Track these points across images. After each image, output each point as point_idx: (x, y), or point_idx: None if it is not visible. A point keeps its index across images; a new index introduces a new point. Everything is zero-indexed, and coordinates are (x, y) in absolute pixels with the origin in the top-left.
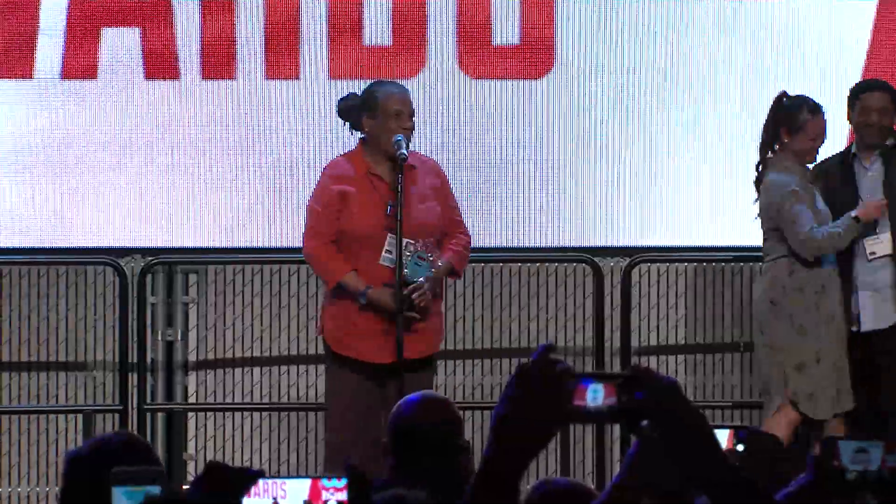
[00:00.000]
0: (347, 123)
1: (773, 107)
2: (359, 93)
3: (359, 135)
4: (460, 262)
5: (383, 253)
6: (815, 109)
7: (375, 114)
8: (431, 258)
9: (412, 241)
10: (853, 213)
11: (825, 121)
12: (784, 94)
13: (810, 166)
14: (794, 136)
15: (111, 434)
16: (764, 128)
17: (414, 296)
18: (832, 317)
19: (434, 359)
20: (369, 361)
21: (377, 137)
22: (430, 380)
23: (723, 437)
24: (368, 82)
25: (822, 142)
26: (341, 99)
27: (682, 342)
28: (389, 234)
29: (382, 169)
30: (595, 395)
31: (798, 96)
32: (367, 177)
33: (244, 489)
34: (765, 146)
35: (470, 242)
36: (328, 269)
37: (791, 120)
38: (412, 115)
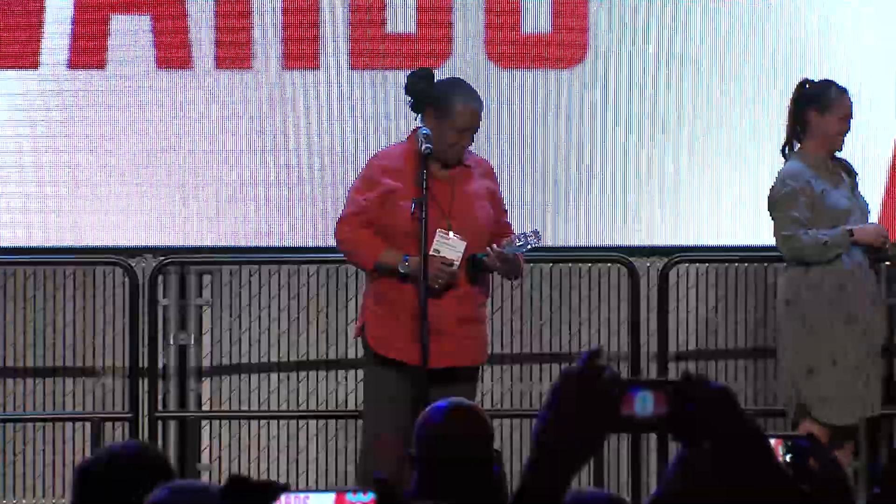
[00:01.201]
0: (410, 100)
1: (795, 91)
2: (436, 76)
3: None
4: (523, 265)
5: (431, 251)
6: (843, 90)
7: (443, 118)
8: (532, 241)
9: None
10: (849, 228)
11: (852, 103)
12: (805, 80)
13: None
14: (823, 115)
15: (124, 444)
16: (788, 116)
17: (485, 259)
18: (854, 317)
19: (479, 370)
20: (412, 365)
21: (437, 139)
22: (473, 392)
23: None
24: (439, 77)
25: (849, 127)
26: (415, 74)
27: (723, 347)
28: (439, 231)
29: (435, 166)
30: (644, 404)
31: (822, 80)
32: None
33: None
34: (790, 135)
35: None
36: (363, 252)
37: (819, 99)
38: (476, 130)
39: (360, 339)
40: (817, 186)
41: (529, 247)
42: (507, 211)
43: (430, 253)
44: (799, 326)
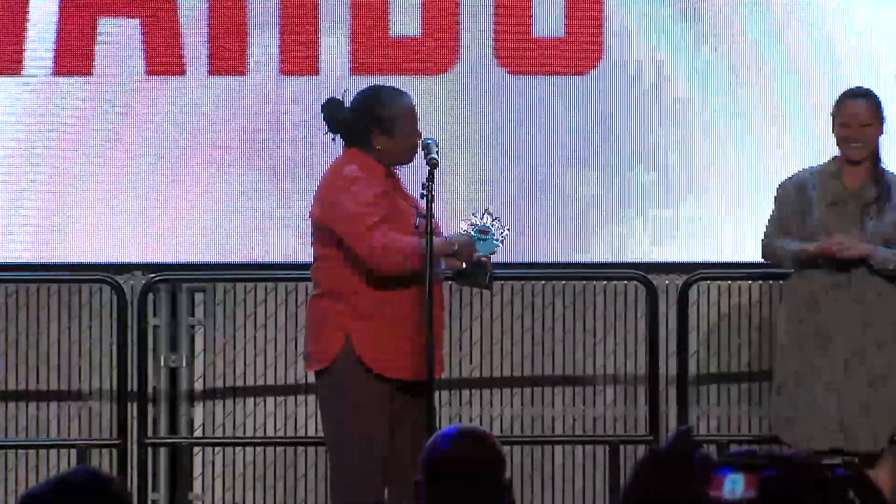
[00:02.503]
0: (341, 135)
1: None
2: (342, 99)
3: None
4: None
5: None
6: (849, 94)
7: (392, 131)
8: (495, 224)
9: (473, 217)
10: (807, 246)
11: (860, 107)
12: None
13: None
14: (834, 122)
15: (72, 470)
16: None
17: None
18: (828, 337)
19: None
20: (413, 380)
21: (396, 154)
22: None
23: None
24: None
25: (855, 130)
26: (327, 106)
27: (746, 370)
28: (464, 221)
29: (390, 173)
30: (734, 487)
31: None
32: (392, 181)
33: None
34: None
35: None
36: (413, 245)
37: (834, 107)
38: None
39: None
40: (813, 194)
41: (491, 232)
42: None
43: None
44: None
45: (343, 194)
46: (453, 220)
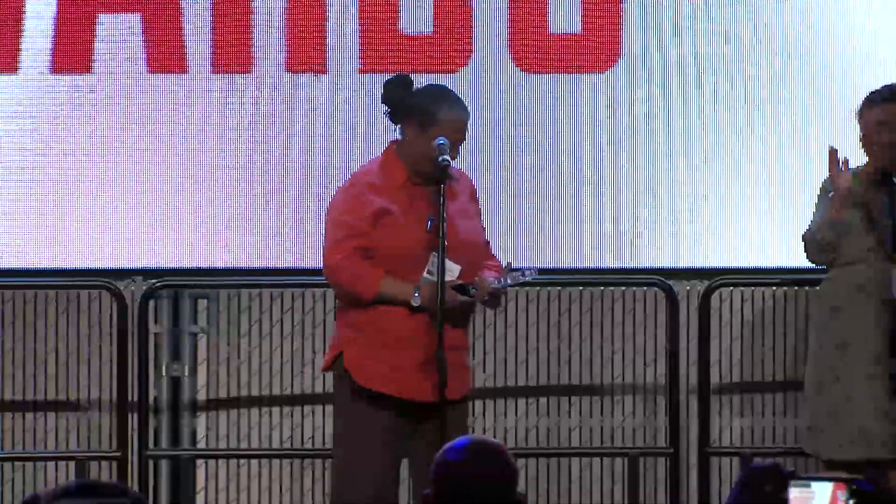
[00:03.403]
0: (387, 110)
1: None
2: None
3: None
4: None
5: (424, 273)
6: (871, 100)
7: (427, 129)
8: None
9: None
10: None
11: (883, 112)
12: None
13: None
14: (860, 125)
15: (70, 484)
16: None
17: (473, 291)
18: (845, 343)
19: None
20: (408, 399)
21: (420, 153)
22: (465, 423)
23: (825, 490)
24: (417, 78)
25: (880, 136)
26: (392, 82)
27: (770, 379)
28: (433, 254)
29: (420, 181)
30: None
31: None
32: (405, 187)
33: None
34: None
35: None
36: (363, 281)
37: (860, 109)
38: (462, 141)
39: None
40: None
41: (522, 281)
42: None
43: (424, 275)
44: (807, 348)
45: (339, 195)
46: None
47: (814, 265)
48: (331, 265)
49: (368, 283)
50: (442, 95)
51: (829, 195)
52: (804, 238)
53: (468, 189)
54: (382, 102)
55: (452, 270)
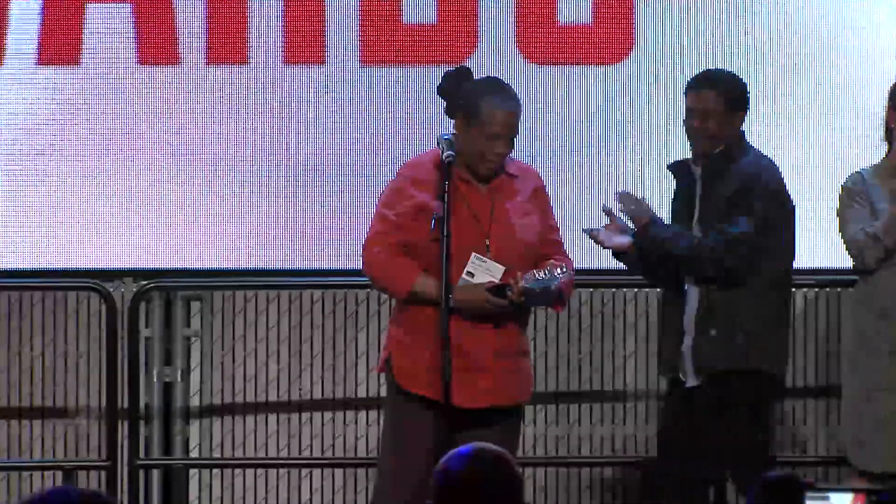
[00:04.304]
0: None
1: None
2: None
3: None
4: (568, 288)
5: (464, 275)
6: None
7: (471, 123)
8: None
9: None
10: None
11: None
12: None
13: None
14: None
15: (45, 492)
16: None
17: (508, 293)
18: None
19: (523, 410)
20: (430, 397)
21: (466, 149)
22: (514, 435)
23: (844, 502)
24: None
25: None
26: (450, 73)
27: (790, 385)
28: (475, 254)
29: (472, 177)
30: None
31: None
32: (455, 184)
33: None
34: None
35: (573, 270)
36: (396, 278)
37: (891, 97)
38: (513, 135)
39: (380, 375)
40: (874, 194)
41: (558, 280)
42: (556, 227)
43: (463, 275)
44: (844, 356)
45: (387, 187)
46: None
47: (857, 269)
48: (366, 258)
49: (402, 279)
50: (489, 88)
51: (858, 197)
52: (858, 242)
53: (532, 186)
54: (438, 94)
55: (493, 271)
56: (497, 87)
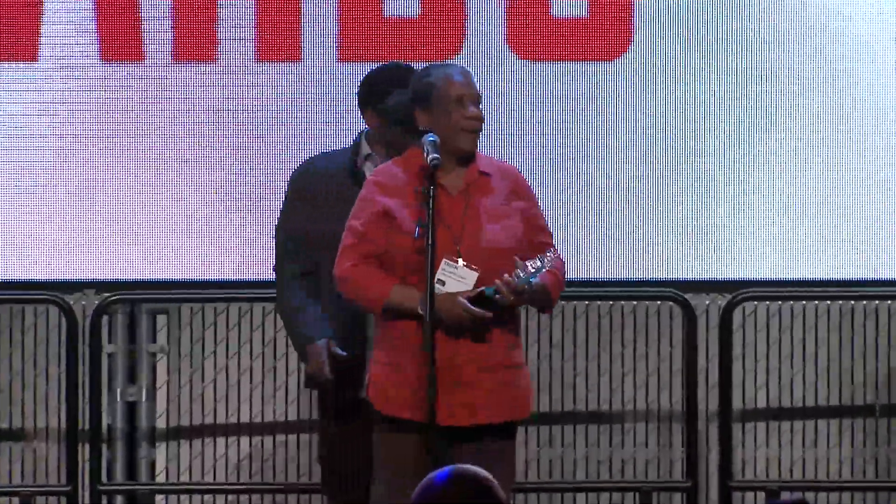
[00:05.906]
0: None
1: None
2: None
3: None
4: (555, 289)
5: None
6: None
7: (429, 106)
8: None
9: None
10: None
11: None
12: None
13: None
14: None
15: None
16: None
17: (497, 297)
18: None
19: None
20: (406, 418)
21: (442, 132)
22: (508, 455)
23: None
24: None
25: None
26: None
27: (799, 405)
28: (445, 259)
29: (449, 176)
30: None
31: None
32: (412, 185)
33: None
34: None
35: (565, 268)
36: (369, 291)
37: None
38: (478, 100)
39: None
40: None
41: (545, 269)
42: (546, 228)
43: (435, 283)
44: None
45: (357, 201)
46: None
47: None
48: (337, 275)
49: (375, 293)
50: (424, 69)
51: None
52: None
53: (509, 185)
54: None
55: (466, 278)
56: (432, 65)
